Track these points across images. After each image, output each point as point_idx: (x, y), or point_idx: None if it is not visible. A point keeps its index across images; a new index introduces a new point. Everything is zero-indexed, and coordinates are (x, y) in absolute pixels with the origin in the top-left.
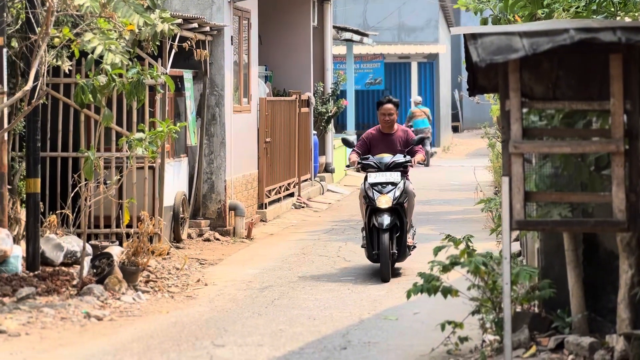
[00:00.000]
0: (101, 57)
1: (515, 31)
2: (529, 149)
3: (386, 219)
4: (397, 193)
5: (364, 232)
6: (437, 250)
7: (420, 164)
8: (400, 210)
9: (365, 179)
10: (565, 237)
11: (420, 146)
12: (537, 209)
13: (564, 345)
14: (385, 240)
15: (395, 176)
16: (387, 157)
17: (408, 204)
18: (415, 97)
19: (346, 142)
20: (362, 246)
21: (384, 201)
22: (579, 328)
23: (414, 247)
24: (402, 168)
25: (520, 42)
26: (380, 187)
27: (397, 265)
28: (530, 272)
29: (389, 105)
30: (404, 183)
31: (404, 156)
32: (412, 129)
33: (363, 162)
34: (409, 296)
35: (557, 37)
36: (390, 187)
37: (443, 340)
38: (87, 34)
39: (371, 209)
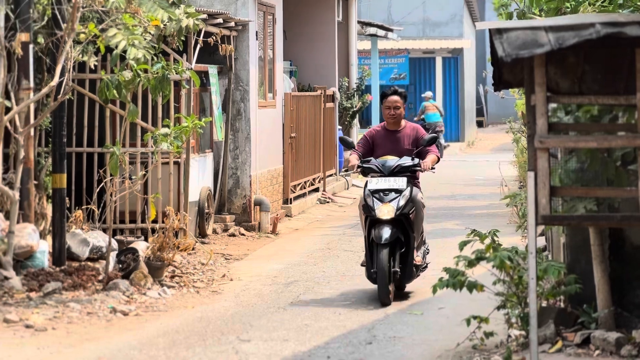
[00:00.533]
0: (125, 51)
1: (541, 26)
2: (554, 143)
3: (386, 232)
4: (402, 202)
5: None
6: (462, 245)
7: (433, 168)
8: (404, 223)
9: (366, 185)
10: (591, 232)
11: (434, 146)
12: (562, 204)
13: (590, 340)
14: (384, 256)
15: (400, 182)
16: (392, 160)
17: (415, 215)
18: (426, 92)
19: (344, 142)
20: (362, 264)
21: (385, 211)
22: (605, 323)
23: (425, 267)
24: (410, 173)
25: (546, 37)
26: (381, 194)
27: (407, 288)
28: (559, 267)
29: (395, 97)
30: (411, 190)
31: (412, 159)
32: (425, 122)
33: (363, 165)
34: (434, 291)
35: (583, 32)
36: (393, 194)
37: (468, 335)
38: (111, 29)
39: (371, 220)
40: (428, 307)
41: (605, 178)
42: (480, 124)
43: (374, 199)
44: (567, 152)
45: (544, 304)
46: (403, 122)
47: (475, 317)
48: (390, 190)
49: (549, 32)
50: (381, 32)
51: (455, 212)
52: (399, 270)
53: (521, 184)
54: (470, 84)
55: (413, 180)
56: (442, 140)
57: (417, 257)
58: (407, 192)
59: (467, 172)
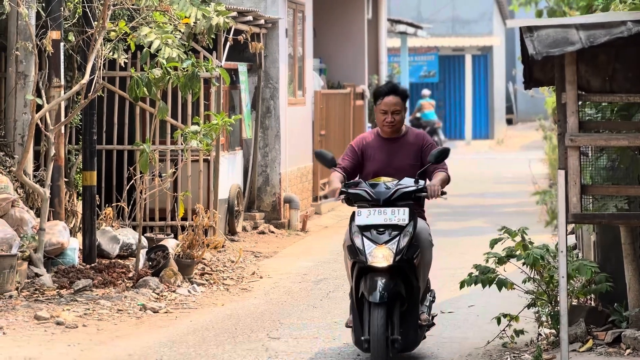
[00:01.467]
0: (157, 50)
1: (572, 24)
2: (585, 142)
3: (381, 286)
4: (403, 243)
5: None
6: (493, 242)
7: (443, 193)
8: (407, 271)
9: (352, 218)
10: (622, 231)
11: (444, 164)
12: (593, 202)
13: (621, 339)
14: (379, 320)
15: (400, 214)
16: (389, 183)
17: (421, 259)
18: (423, 90)
19: (321, 158)
20: (347, 325)
21: (380, 256)
22: (636, 322)
23: (433, 324)
24: (413, 200)
25: (576, 35)
26: (374, 232)
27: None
28: (592, 267)
29: (392, 98)
30: (414, 225)
31: (416, 180)
32: (421, 120)
33: (348, 190)
34: (462, 286)
35: (614, 30)
36: (391, 232)
37: (498, 333)
38: (144, 28)
39: (360, 268)
40: (458, 305)
41: (636, 176)
42: (509, 122)
43: (364, 238)
44: (598, 150)
45: (575, 302)
46: (403, 128)
47: (505, 315)
48: (387, 226)
49: (580, 30)
50: (411, 30)
51: (484, 210)
52: (399, 337)
53: (551, 181)
54: (499, 81)
55: (417, 210)
56: (441, 136)
57: (423, 315)
58: (409, 229)
59: (496, 169)
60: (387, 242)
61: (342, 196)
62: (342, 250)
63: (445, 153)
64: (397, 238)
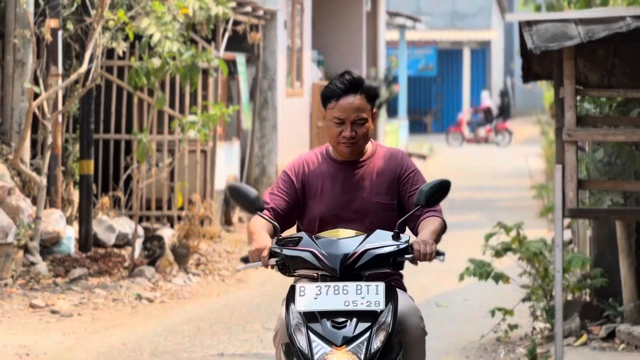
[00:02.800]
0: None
1: (571, 18)
2: (582, 136)
3: None
4: (377, 343)
5: None
6: (488, 236)
7: (440, 254)
8: None
9: (291, 297)
10: (617, 226)
11: (438, 206)
12: (589, 197)
13: (616, 334)
14: None
15: (371, 294)
16: (349, 240)
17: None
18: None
19: (237, 196)
20: None
21: None
22: (630, 317)
23: None
24: (391, 268)
25: (575, 30)
26: (330, 324)
27: None
28: (583, 259)
29: (352, 100)
30: (394, 311)
31: (396, 234)
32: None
33: (283, 251)
34: (461, 278)
35: (613, 25)
36: (356, 324)
37: (493, 327)
38: (144, 20)
39: None
40: (453, 299)
41: (633, 171)
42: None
43: (310, 334)
44: (595, 144)
45: (570, 297)
46: (369, 146)
47: (500, 309)
48: (350, 314)
49: (579, 24)
50: (409, 23)
51: (481, 204)
52: None
53: (548, 176)
54: (497, 75)
55: (395, 280)
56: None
57: None
58: (387, 318)
59: (493, 163)
60: (349, 341)
61: (274, 260)
62: None
63: (443, 189)
64: (368, 335)
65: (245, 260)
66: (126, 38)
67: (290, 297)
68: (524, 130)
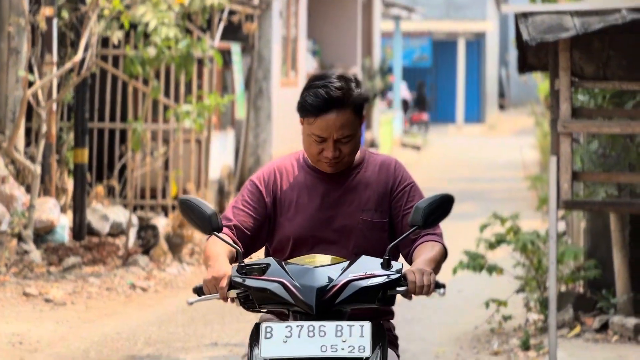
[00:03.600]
0: (153, 30)
1: (567, 10)
2: (577, 128)
3: None
4: None
5: None
6: (483, 227)
7: (439, 286)
8: None
9: (255, 339)
10: (612, 218)
11: (438, 227)
12: (583, 189)
13: (609, 325)
14: None
15: (354, 337)
16: (329, 268)
17: None
18: None
19: (190, 212)
20: None
21: None
22: (624, 309)
23: None
24: (379, 304)
25: (571, 21)
26: None
27: None
28: (575, 251)
29: (336, 117)
30: (382, 357)
31: (386, 262)
32: None
33: (246, 282)
34: (454, 272)
35: (609, 17)
36: None
37: (487, 318)
38: (140, 8)
39: None
40: (447, 290)
41: (627, 163)
42: (501, 107)
43: None
44: (589, 136)
45: (563, 288)
46: (358, 153)
47: (494, 301)
48: None
49: (575, 16)
50: (404, 14)
51: (475, 195)
52: None
53: (543, 168)
54: (492, 66)
55: (386, 321)
56: None
57: None
58: None
59: (488, 154)
60: None
61: (234, 293)
62: None
63: (444, 205)
64: None
65: (198, 291)
66: (121, 27)
67: (255, 339)
68: (519, 121)
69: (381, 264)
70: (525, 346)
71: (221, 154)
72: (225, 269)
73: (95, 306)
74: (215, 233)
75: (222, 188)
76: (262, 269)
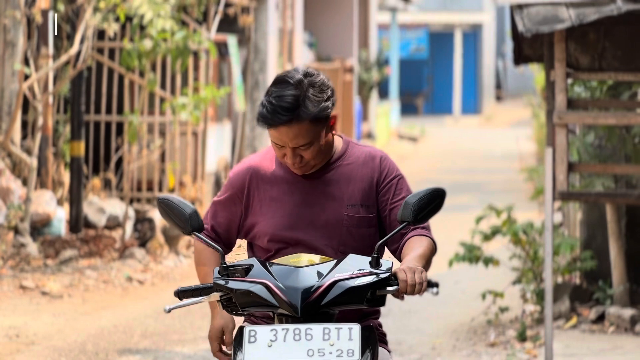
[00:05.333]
0: (149, 22)
1: (562, 1)
2: (573, 119)
3: None
4: None
5: None
6: (478, 219)
7: (432, 285)
8: None
9: (238, 343)
10: (608, 209)
11: (427, 223)
12: (580, 180)
13: (605, 316)
14: None
15: (342, 340)
16: (313, 268)
17: None
18: None
19: (169, 211)
20: None
21: None
22: (620, 300)
23: None
24: (368, 305)
25: (566, 13)
26: None
27: None
28: (571, 243)
29: (287, 130)
30: None
31: (376, 260)
32: None
33: (230, 284)
34: (450, 264)
35: (604, 8)
36: None
37: (483, 309)
38: (136, 0)
39: None
40: (443, 282)
41: (623, 154)
42: (498, 98)
43: None
44: (586, 127)
45: (560, 279)
46: (340, 144)
47: (490, 292)
48: None
49: (570, 7)
50: (401, 5)
51: (472, 186)
52: None
53: (539, 159)
54: (489, 58)
55: (373, 321)
56: None
57: None
58: None
59: (484, 146)
60: None
61: (217, 296)
62: None
63: (436, 200)
64: None
65: (180, 294)
66: (117, 19)
67: (238, 344)
68: (516, 112)
69: (370, 262)
70: (522, 337)
71: (218, 146)
72: (219, 324)
73: (92, 299)
74: (196, 233)
75: (219, 180)
76: (244, 270)
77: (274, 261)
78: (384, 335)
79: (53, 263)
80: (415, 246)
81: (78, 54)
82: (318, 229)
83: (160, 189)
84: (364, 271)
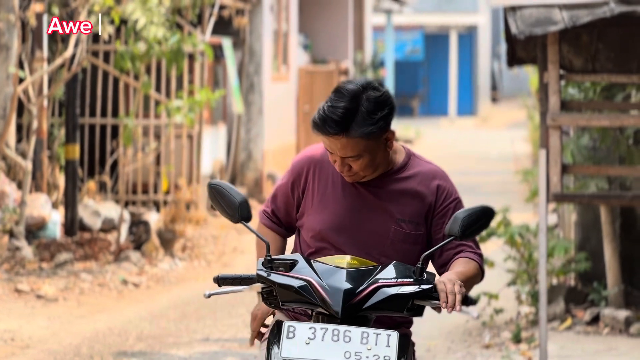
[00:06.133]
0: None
1: (555, 3)
2: (566, 121)
3: None
4: None
5: None
6: None
7: (470, 301)
8: None
9: (275, 337)
10: (602, 210)
11: (475, 241)
12: (574, 182)
13: (600, 318)
14: None
15: (379, 346)
16: (357, 270)
17: None
18: None
19: (216, 196)
20: None
21: None
22: (614, 301)
23: None
24: (407, 314)
25: (559, 15)
26: None
27: None
28: (566, 245)
29: (336, 141)
30: None
31: (419, 272)
32: None
33: (272, 276)
34: None
35: (597, 10)
36: None
37: (478, 311)
38: (129, 4)
39: None
40: None
41: (617, 156)
42: (494, 100)
43: None
44: (579, 129)
45: (554, 281)
46: (402, 155)
47: (485, 294)
48: None
49: (563, 9)
50: (396, 7)
51: (467, 188)
52: None
53: (534, 160)
54: (484, 60)
55: (407, 330)
56: None
57: None
58: None
59: (480, 147)
60: None
61: (258, 287)
62: None
63: (485, 218)
64: None
65: (219, 281)
66: (112, 22)
67: (275, 337)
68: (511, 114)
69: (413, 271)
70: (517, 339)
71: (213, 149)
72: (259, 309)
73: (87, 302)
74: (243, 222)
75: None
76: (288, 265)
77: (318, 260)
78: (413, 345)
79: (48, 266)
80: (459, 263)
81: (73, 57)
82: (362, 236)
83: (155, 192)
84: (408, 280)
